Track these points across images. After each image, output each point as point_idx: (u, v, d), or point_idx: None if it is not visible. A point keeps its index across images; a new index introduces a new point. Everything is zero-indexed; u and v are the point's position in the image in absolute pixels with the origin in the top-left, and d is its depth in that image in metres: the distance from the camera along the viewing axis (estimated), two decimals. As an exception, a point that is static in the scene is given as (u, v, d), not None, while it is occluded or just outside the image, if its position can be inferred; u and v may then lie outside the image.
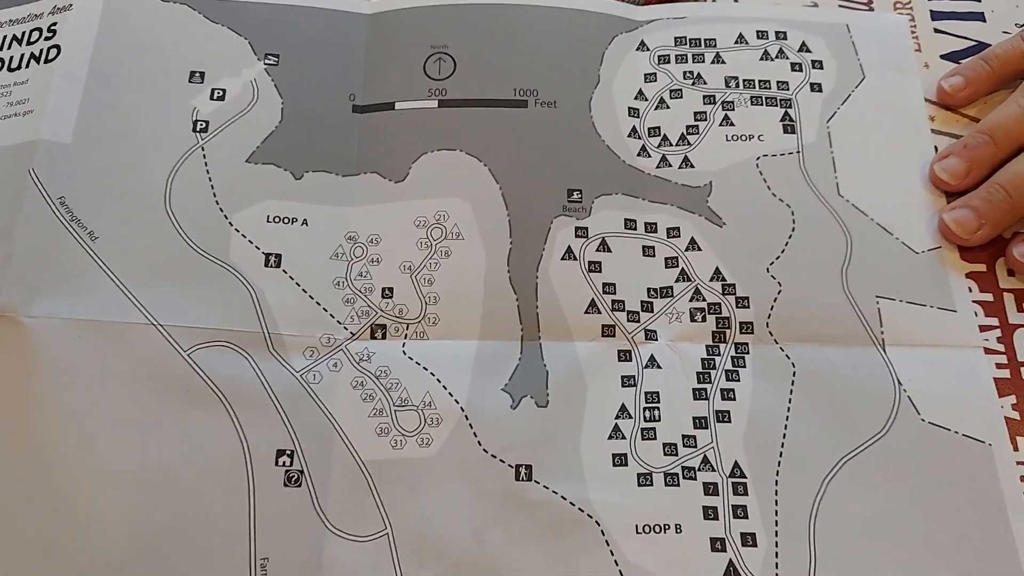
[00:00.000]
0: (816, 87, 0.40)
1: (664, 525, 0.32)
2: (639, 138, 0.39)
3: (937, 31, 0.43)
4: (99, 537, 0.31)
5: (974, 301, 0.36)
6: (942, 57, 0.42)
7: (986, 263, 0.37)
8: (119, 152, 0.37)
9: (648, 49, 0.41)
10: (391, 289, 0.36)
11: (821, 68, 0.41)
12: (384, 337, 0.35)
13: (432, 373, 0.34)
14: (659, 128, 0.39)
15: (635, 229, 0.37)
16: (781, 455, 0.33)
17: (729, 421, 0.34)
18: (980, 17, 0.43)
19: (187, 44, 0.40)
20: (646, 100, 0.40)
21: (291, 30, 0.41)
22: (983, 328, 0.36)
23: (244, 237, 0.36)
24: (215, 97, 0.39)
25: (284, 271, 0.36)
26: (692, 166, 0.39)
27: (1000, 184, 0.37)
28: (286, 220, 0.37)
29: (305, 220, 0.37)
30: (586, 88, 0.40)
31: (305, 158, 0.38)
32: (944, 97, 0.40)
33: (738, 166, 0.39)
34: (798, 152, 0.39)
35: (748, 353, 0.35)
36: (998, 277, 0.37)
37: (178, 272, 0.35)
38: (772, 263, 0.37)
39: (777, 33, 0.42)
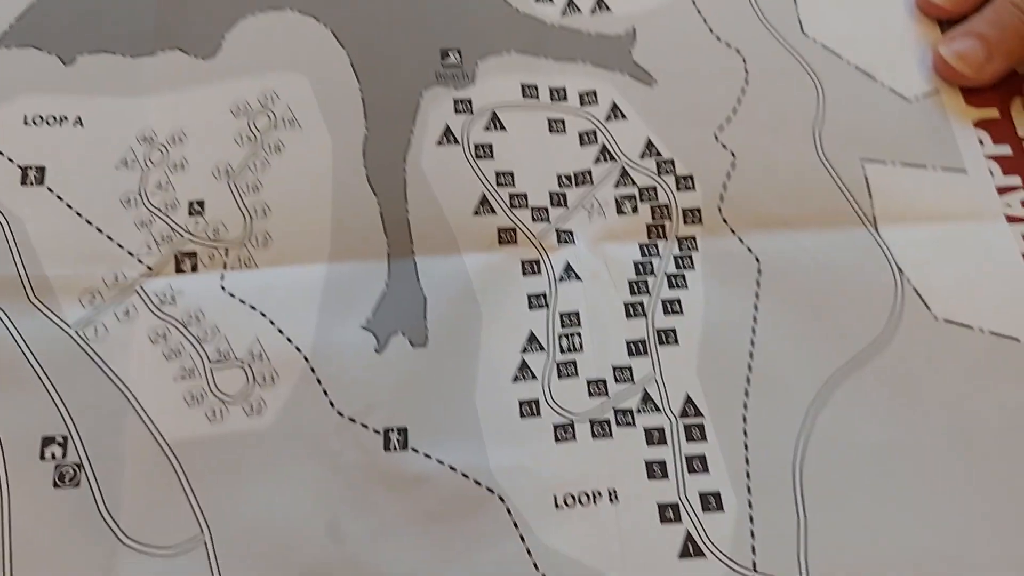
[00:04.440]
0: None
1: (593, 493, 0.23)
2: (536, -23, 0.29)
3: None
4: None
5: (987, 156, 0.27)
6: None
7: (999, 107, 0.28)
8: None
9: None
10: (202, 203, 0.26)
11: None
12: (195, 269, 0.25)
13: (263, 313, 0.25)
14: (562, -38, 0.30)
15: (536, 97, 0.28)
16: (749, 382, 0.24)
17: (676, 342, 0.25)
18: None
19: None
20: (542, -75, 0.30)
21: None
22: (1002, 190, 0.27)
23: (-8, 147, 0.26)
24: (-52, -40, 0.28)
25: (49, 189, 0.26)
26: (608, 8, 0.29)
27: (1013, 2, 0.28)
28: (52, 120, 0.27)
29: (79, 118, 0.27)
30: (460, -87, 0.30)
31: (79, 35, 0.28)
32: None
33: (669, 4, 0.29)
34: (746, -20, 0.29)
35: (696, 249, 0.26)
36: (1016, 123, 0.28)
37: None
38: (721, 128, 0.27)
39: None
